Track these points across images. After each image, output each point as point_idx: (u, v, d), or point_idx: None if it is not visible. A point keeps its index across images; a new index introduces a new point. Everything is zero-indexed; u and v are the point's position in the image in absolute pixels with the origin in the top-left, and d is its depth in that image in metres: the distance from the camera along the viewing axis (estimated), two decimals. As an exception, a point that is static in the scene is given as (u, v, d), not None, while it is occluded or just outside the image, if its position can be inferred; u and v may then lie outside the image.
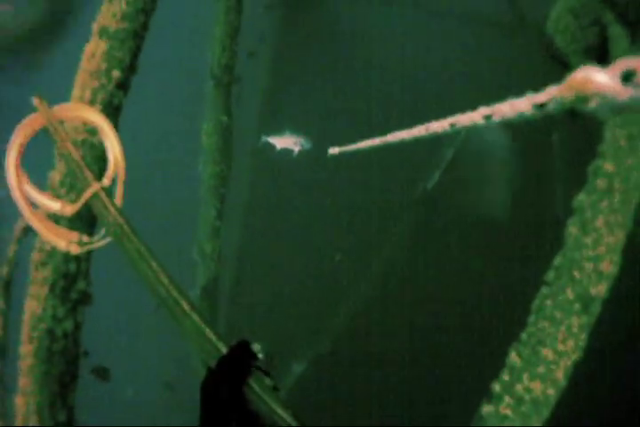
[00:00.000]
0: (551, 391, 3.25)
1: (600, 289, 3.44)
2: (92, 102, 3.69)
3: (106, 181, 2.00)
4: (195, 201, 5.17)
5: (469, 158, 5.49)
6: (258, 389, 1.45)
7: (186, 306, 1.61)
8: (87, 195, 1.93)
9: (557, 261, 3.46)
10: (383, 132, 2.44)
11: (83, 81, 3.65)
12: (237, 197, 5.81)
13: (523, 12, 5.82)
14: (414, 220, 5.40)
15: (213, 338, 1.58)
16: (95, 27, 3.75)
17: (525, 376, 3.20)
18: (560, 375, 3.27)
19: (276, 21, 6.79)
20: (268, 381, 1.50)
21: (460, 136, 5.37)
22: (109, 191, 1.93)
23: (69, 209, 2.08)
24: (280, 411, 1.45)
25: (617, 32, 4.04)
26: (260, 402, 1.46)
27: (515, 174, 5.28)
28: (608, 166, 3.69)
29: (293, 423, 1.44)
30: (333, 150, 2.97)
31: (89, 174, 1.93)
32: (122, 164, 2.12)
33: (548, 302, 3.33)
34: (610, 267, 3.48)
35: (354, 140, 2.75)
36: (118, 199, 2.05)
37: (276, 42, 6.66)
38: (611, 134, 3.82)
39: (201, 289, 5.26)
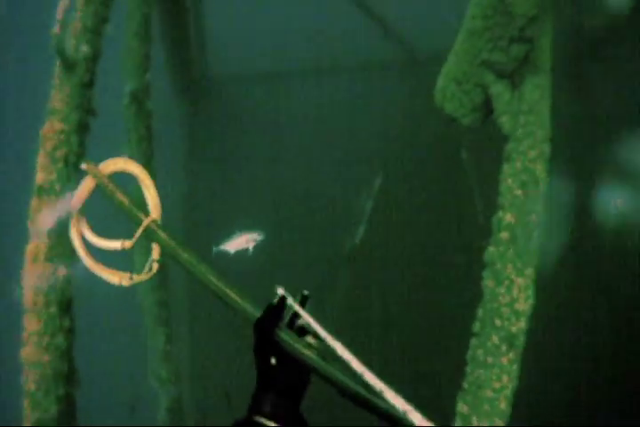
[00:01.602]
0: (499, 422, 3.98)
1: (520, 325, 4.12)
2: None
3: (155, 215, 2.23)
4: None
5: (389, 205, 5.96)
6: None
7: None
8: (141, 229, 2.18)
9: (480, 312, 4.14)
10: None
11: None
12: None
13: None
14: (351, 275, 5.98)
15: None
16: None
17: (474, 418, 3.93)
18: (503, 406, 3.99)
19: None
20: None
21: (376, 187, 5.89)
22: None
23: (128, 244, 2.25)
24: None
25: (498, 89, 4.59)
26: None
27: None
28: (509, 218, 4.28)
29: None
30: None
31: (140, 213, 2.19)
32: (159, 210, 2.30)
33: (479, 352, 4.02)
34: (524, 304, 4.15)
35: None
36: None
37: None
38: (505, 186, 4.39)
39: (166, 411, 5.50)
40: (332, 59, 6.34)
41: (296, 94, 6.26)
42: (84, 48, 4.34)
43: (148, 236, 2.14)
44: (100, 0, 4.49)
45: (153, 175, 2.30)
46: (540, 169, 4.42)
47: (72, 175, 4.26)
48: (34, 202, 4.25)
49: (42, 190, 4.25)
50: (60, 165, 4.29)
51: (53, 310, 4.28)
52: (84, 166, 2.38)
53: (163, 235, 2.11)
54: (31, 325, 4.26)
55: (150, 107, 5.66)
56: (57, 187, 4.25)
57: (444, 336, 5.37)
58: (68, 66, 4.26)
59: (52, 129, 4.27)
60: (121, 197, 2.23)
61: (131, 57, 5.65)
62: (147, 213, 2.21)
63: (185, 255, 2.00)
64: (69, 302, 4.33)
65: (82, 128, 4.41)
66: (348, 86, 6.23)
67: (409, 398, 1.43)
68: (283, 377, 1.60)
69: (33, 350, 4.23)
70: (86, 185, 2.35)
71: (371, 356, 1.66)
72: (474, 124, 4.68)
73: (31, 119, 4.44)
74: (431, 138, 5.57)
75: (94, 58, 4.47)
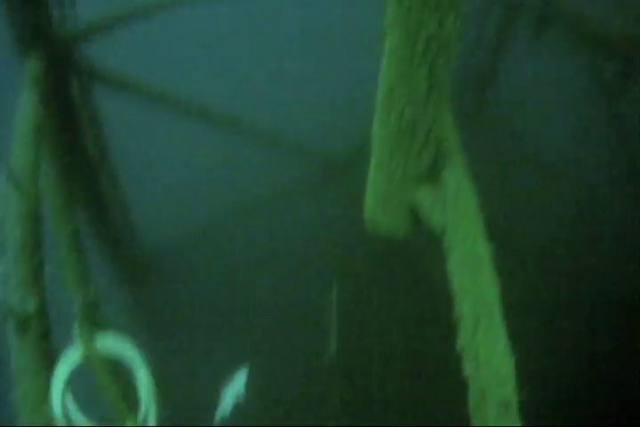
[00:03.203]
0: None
1: (510, 390, 4.51)
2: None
3: (138, 421, 2.18)
4: None
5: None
6: None
7: None
8: None
9: (470, 394, 4.53)
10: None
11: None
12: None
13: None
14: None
15: None
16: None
17: None
18: None
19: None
20: None
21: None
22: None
23: None
24: None
25: (420, 195, 5.13)
26: None
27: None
28: (466, 306, 4.72)
29: None
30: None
31: (124, 411, 2.18)
32: (153, 401, 2.29)
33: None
34: (508, 366, 4.55)
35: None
36: None
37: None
38: (455, 276, 4.86)
39: None
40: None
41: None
42: (29, 301, 4.21)
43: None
44: (32, 246, 4.55)
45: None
46: (481, 249, 4.83)
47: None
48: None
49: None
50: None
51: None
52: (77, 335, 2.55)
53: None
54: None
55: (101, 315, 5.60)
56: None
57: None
58: (22, 323, 4.08)
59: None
60: (109, 383, 2.49)
61: (69, 275, 5.69)
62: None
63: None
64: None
65: None
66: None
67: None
68: None
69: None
70: (72, 357, 2.59)
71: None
72: (407, 235, 5.15)
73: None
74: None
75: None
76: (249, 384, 3.09)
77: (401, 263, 6.01)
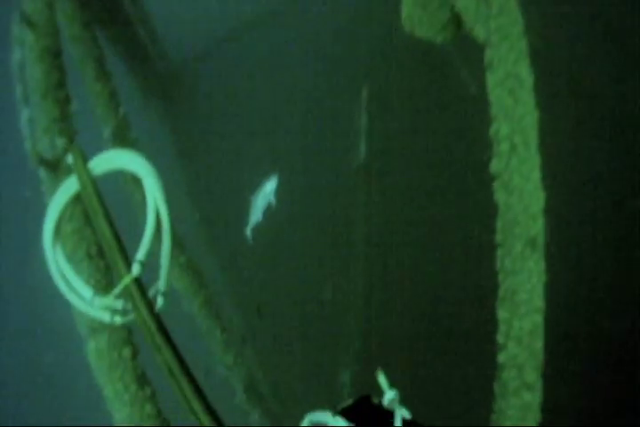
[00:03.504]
0: (537, 317, 4.32)
1: (537, 226, 4.38)
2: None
3: (135, 270, 2.14)
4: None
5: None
6: None
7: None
8: (119, 287, 2.19)
9: (499, 224, 4.40)
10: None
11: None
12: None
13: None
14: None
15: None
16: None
17: (516, 322, 4.28)
18: (538, 304, 4.30)
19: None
20: None
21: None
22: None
23: (100, 301, 2.33)
24: None
25: (464, 2, 4.61)
26: None
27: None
28: (504, 128, 4.44)
29: None
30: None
31: (120, 260, 2.17)
32: (165, 217, 2.24)
33: (507, 261, 4.32)
34: (537, 206, 4.38)
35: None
36: (166, 257, 2.31)
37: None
38: (494, 96, 4.51)
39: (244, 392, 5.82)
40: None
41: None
42: (60, 141, 4.10)
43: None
44: (56, 84, 4.28)
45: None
46: (523, 71, 4.48)
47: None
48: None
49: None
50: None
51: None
52: (69, 160, 2.48)
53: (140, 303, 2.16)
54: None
55: (134, 136, 5.56)
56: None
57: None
58: (53, 167, 4.01)
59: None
60: (104, 224, 2.35)
61: (98, 101, 5.52)
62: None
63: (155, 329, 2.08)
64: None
65: None
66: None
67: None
68: None
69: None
70: (66, 188, 2.42)
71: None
72: (446, 41, 4.71)
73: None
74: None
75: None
76: (278, 191, 2.93)
77: (432, 70, 5.55)
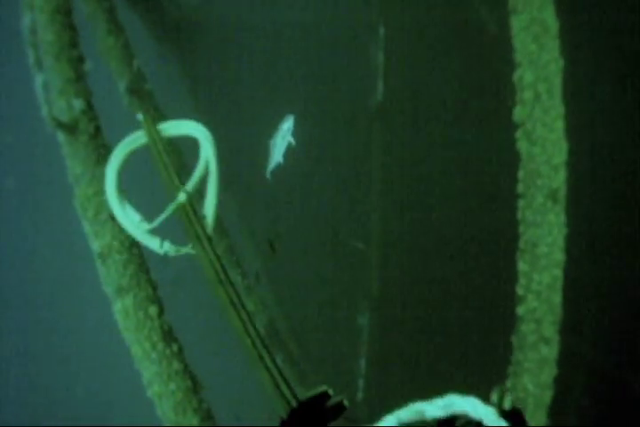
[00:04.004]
0: (557, 271, 4.23)
1: (559, 179, 4.27)
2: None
3: (185, 192, 2.40)
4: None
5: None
6: None
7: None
8: (172, 206, 2.40)
9: (521, 174, 4.28)
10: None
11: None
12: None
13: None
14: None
15: (285, 389, 1.78)
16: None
17: (535, 275, 4.19)
18: (559, 257, 4.21)
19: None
20: None
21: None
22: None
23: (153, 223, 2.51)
24: None
25: None
26: None
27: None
28: (528, 75, 4.30)
29: None
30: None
31: (176, 183, 2.37)
32: (214, 172, 2.50)
33: (528, 212, 4.21)
34: (559, 157, 4.28)
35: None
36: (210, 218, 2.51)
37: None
38: (518, 41, 4.35)
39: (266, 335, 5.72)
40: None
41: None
42: (76, 103, 4.02)
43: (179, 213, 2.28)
44: (69, 44, 4.15)
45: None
46: (549, 17, 4.33)
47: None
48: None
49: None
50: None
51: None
52: (139, 117, 2.58)
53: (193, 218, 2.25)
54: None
55: (149, 88, 5.42)
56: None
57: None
58: (71, 129, 3.97)
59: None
60: (168, 164, 2.43)
61: (112, 55, 5.41)
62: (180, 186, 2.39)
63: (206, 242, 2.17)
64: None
65: None
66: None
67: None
68: None
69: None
70: (133, 140, 2.55)
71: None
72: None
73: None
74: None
75: (90, 106, 4.13)
76: (296, 131, 2.91)
77: (450, 9, 5.37)
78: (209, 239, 2.31)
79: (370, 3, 5.72)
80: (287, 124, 2.86)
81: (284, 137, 2.86)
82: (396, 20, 5.56)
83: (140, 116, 2.56)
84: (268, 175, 2.77)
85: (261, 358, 1.85)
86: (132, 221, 2.52)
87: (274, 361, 1.85)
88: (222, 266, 2.19)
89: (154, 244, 2.55)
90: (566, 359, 4.08)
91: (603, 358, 4.87)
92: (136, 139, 2.57)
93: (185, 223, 2.32)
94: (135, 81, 5.45)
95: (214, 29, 6.18)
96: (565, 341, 4.13)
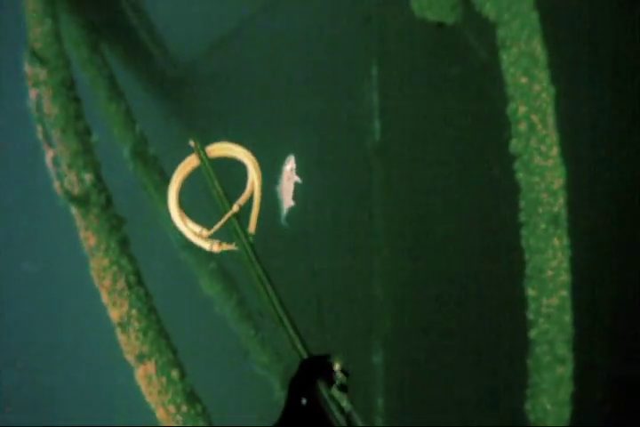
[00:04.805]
0: (564, 292, 4.41)
1: (559, 203, 4.45)
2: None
3: (236, 207, 2.57)
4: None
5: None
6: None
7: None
8: (223, 221, 2.54)
9: (522, 204, 4.46)
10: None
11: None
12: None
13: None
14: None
15: (299, 345, 2.04)
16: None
17: (543, 299, 4.39)
18: (564, 278, 4.40)
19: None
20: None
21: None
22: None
23: (206, 233, 2.63)
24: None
25: None
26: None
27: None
28: (522, 108, 4.49)
29: None
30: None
31: (227, 204, 2.53)
32: (258, 194, 2.72)
33: (532, 240, 4.40)
34: (558, 183, 4.45)
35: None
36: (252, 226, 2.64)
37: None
38: (509, 75, 4.53)
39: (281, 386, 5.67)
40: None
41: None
42: (86, 175, 4.20)
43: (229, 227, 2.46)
44: (74, 116, 4.34)
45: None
46: (537, 48, 4.51)
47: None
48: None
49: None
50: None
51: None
52: (191, 143, 2.75)
53: (240, 232, 2.44)
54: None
55: (153, 152, 5.53)
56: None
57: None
58: (83, 202, 4.13)
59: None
60: (217, 185, 2.60)
61: (114, 121, 5.46)
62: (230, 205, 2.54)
63: (256, 267, 2.34)
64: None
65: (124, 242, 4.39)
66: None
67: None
68: (305, 420, 1.75)
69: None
70: (188, 163, 2.73)
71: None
72: (457, 22, 4.72)
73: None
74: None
75: (99, 178, 4.31)
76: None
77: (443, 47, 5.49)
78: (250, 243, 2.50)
79: (362, 43, 5.85)
80: (290, 165, 2.96)
81: (289, 178, 2.91)
82: (388, 60, 5.69)
83: (191, 142, 2.77)
84: (283, 222, 2.88)
85: (281, 320, 2.15)
86: (190, 231, 2.73)
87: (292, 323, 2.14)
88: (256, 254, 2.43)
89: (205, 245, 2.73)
90: (582, 374, 4.25)
91: (619, 367, 5.01)
92: (190, 162, 2.81)
93: (232, 228, 2.51)
94: (139, 145, 5.50)
95: (213, 83, 6.28)
96: (579, 357, 4.30)
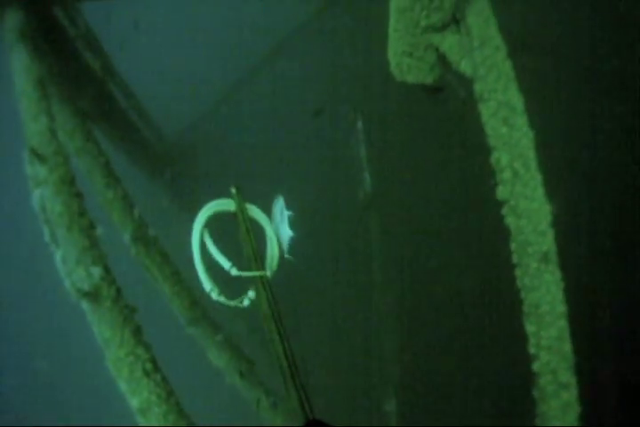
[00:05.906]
0: (562, 322, 4.70)
1: (548, 241, 4.72)
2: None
3: (268, 273, 2.74)
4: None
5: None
6: None
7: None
8: (251, 275, 2.71)
9: (513, 246, 4.75)
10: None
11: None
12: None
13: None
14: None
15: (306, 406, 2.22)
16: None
17: (542, 333, 4.69)
18: (561, 309, 4.67)
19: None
20: None
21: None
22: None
23: (234, 272, 2.77)
24: None
25: (448, 41, 4.89)
26: None
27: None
28: (504, 157, 4.77)
29: None
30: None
31: (259, 263, 2.70)
32: (277, 259, 2.87)
33: (526, 280, 4.70)
34: (545, 223, 4.71)
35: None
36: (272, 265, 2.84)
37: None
38: (489, 127, 4.81)
39: None
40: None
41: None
42: (95, 270, 4.21)
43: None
44: (78, 213, 4.41)
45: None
46: (514, 97, 4.76)
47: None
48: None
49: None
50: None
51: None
52: (233, 190, 2.93)
53: (265, 296, 2.64)
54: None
55: (153, 234, 5.73)
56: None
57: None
58: (94, 297, 4.16)
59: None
60: (250, 238, 2.78)
61: (113, 207, 5.66)
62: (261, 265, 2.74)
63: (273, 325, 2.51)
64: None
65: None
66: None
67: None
68: None
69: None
70: (219, 204, 2.91)
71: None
72: (437, 80, 4.99)
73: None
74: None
75: (107, 271, 4.32)
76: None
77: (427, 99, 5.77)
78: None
79: (346, 99, 6.10)
80: (279, 205, 3.11)
81: (282, 213, 3.07)
82: (372, 114, 5.95)
83: (233, 190, 2.92)
84: (287, 255, 3.18)
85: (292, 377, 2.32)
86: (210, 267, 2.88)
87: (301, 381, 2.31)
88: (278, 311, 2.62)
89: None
90: (588, 395, 4.45)
91: (623, 381, 5.24)
92: (219, 204, 2.96)
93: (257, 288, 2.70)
94: (138, 229, 5.69)
95: (202, 152, 6.46)
96: (583, 381, 4.46)
